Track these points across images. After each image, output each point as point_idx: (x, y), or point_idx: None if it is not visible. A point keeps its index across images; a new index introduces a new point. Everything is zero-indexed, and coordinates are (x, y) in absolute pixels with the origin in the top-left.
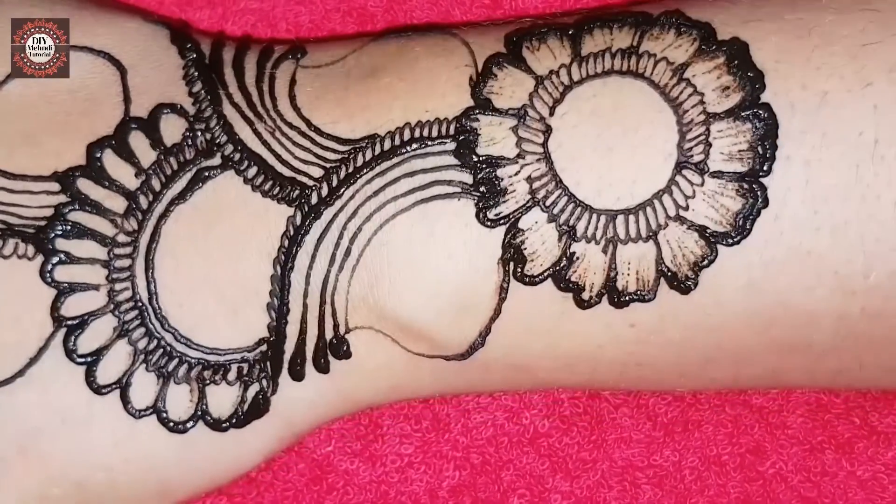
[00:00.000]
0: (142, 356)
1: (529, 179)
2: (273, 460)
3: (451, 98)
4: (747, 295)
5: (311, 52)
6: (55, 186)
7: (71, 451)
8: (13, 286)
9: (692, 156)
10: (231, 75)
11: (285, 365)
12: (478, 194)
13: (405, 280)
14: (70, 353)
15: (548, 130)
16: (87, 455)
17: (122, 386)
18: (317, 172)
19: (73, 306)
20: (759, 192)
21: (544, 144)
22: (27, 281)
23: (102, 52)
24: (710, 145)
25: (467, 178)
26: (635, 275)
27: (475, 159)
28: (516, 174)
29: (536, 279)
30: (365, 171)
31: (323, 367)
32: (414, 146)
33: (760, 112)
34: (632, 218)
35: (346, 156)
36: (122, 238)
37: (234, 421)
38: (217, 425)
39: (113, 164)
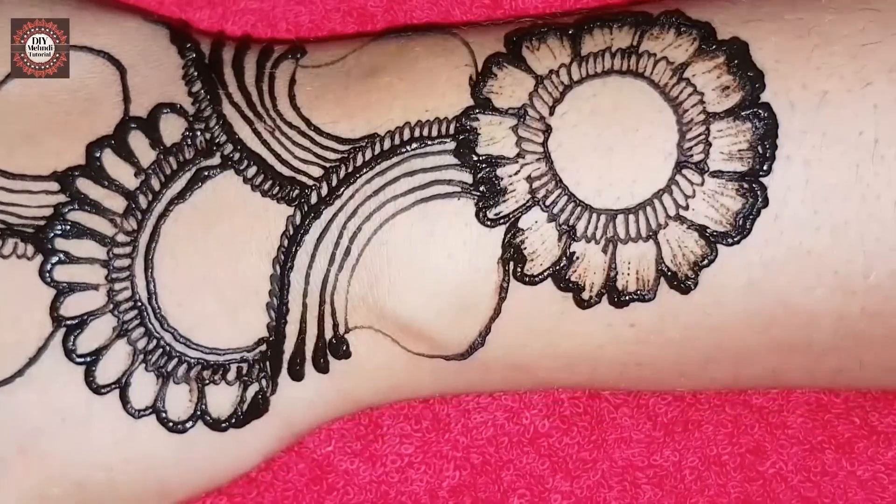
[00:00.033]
0: (141, 356)
1: (529, 179)
2: (273, 460)
3: (450, 97)
4: (747, 295)
5: (311, 51)
6: (54, 186)
7: (70, 451)
8: (12, 286)
9: (692, 155)
10: (231, 75)
11: (285, 365)
12: (478, 194)
13: (405, 279)
14: (69, 352)
15: (548, 130)
16: (87, 455)
17: (122, 386)
18: (316, 172)
19: (73, 306)
20: (759, 192)
21: (544, 144)
22: (26, 281)
23: (102, 52)
24: (710, 145)
25: (467, 177)
26: (635, 274)
27: (475, 159)
28: (516, 174)
29: (536, 279)
30: (365, 170)
31: (322, 367)
32: (414, 145)
33: (760, 112)
34: (632, 217)
35: (346, 155)
36: (121, 238)
37: (233, 421)
38: (216, 425)
39: (112, 163)
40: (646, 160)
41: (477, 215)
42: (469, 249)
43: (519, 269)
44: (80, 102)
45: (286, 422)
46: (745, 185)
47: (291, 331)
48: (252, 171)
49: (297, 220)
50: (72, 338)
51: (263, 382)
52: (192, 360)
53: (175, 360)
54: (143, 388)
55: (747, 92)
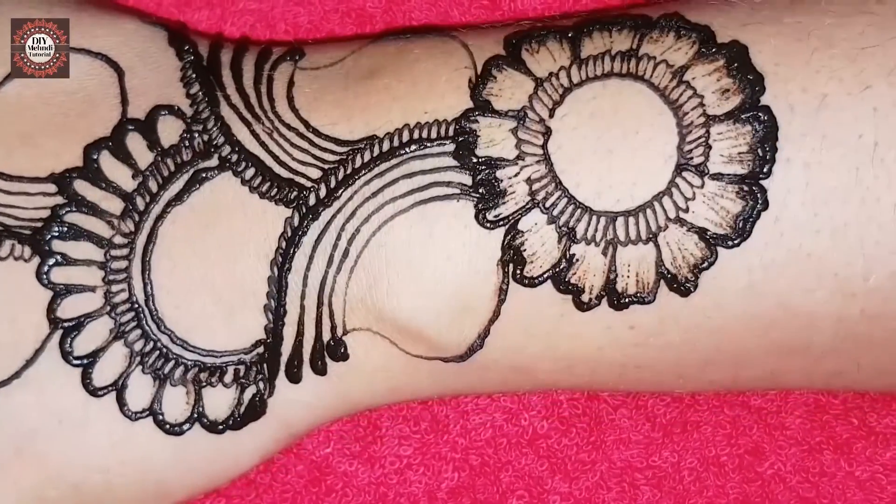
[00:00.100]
0: (138, 358)
1: (529, 181)
2: (272, 462)
3: (450, 99)
4: (747, 297)
5: (310, 53)
6: (52, 188)
7: (67, 453)
8: (9, 288)
9: (692, 158)
10: (229, 77)
11: (282, 367)
12: (477, 195)
13: (404, 281)
14: (66, 354)
15: (547, 132)
16: (84, 457)
17: (119, 388)
18: (315, 174)
19: (70, 308)
20: (758, 195)
21: (544, 146)
22: (23, 282)
23: (100, 54)
24: (710, 147)
25: (466, 179)
26: (635, 277)
27: (474, 160)
28: (516, 175)
29: (536, 281)
30: (363, 172)
31: (320, 370)
32: (413, 147)
33: (760, 114)
34: (632, 220)
35: (345, 157)
36: (118, 240)
37: (230, 423)
38: (213, 427)
39: (110, 165)
40: (646, 163)
41: (476, 217)
42: (468, 251)
43: (518, 271)
44: (77, 104)
45: (284, 424)
46: (745, 188)
47: (289, 333)
48: (250, 172)
49: (296, 221)
50: (68, 340)
51: (261, 385)
52: (189, 363)
53: (172, 363)
54: (140, 390)
55: (747, 95)
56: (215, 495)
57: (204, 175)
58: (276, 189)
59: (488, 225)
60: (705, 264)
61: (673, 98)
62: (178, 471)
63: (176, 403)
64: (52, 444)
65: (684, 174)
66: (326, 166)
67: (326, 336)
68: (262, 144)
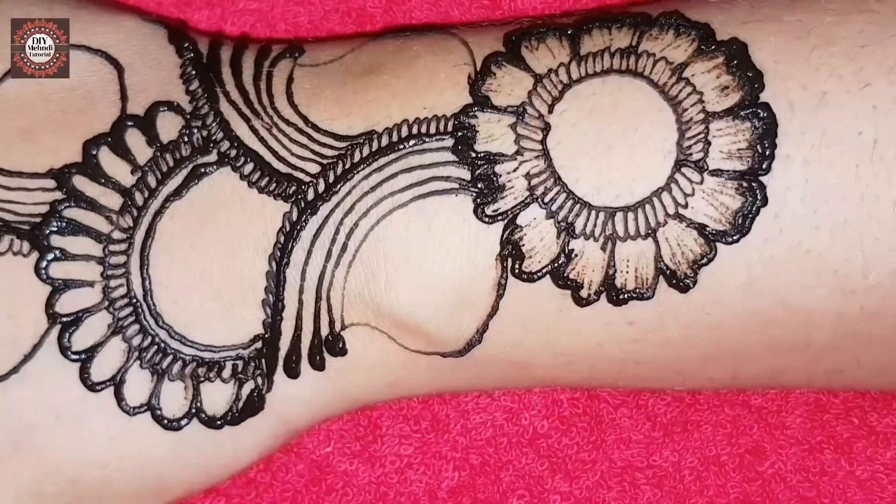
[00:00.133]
0: (136, 353)
1: (528, 176)
2: (272, 461)
3: (449, 95)
4: (746, 293)
5: (309, 50)
6: (51, 183)
7: (65, 448)
8: (8, 283)
9: (691, 154)
10: (228, 73)
11: (280, 362)
12: (476, 190)
13: (402, 276)
14: (64, 349)
15: (546, 128)
16: (82, 452)
17: (117, 383)
18: (313, 169)
19: (68, 303)
20: (758, 191)
21: (543, 142)
22: (22, 277)
23: (100, 51)
24: (710, 144)
25: (465, 174)
26: (634, 272)
27: (473, 155)
28: (514, 170)
29: (535, 276)
30: (362, 167)
31: (318, 365)
32: (412, 142)
33: (760, 111)
34: (631, 215)
35: (344, 152)
36: (117, 235)
37: (228, 418)
38: (211, 423)
39: (109, 161)
40: (645, 158)
41: (475, 212)
42: (467, 246)
43: (517, 266)
44: (77, 100)
45: (282, 419)
46: (745, 184)
47: (287, 328)
48: (249, 167)
49: (294, 216)
50: (67, 335)
51: (259, 380)
52: (188, 358)
53: (170, 358)
54: (138, 385)
55: (746, 92)
56: (215, 494)
57: (203, 170)
58: (274, 184)
59: (487, 219)
60: (704, 260)
61: (672, 94)
62: (176, 466)
63: (174, 398)
64: (50, 439)
65: (683, 170)
66: (325, 161)
67: (325, 331)
68: (261, 140)
